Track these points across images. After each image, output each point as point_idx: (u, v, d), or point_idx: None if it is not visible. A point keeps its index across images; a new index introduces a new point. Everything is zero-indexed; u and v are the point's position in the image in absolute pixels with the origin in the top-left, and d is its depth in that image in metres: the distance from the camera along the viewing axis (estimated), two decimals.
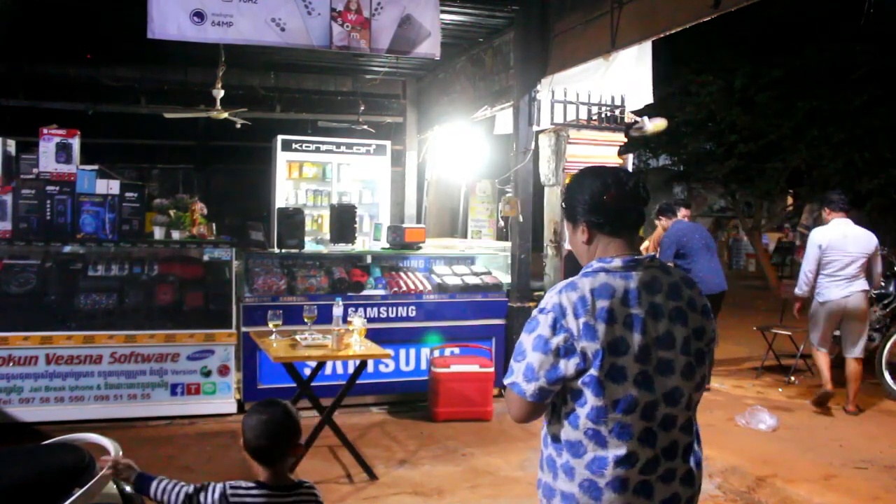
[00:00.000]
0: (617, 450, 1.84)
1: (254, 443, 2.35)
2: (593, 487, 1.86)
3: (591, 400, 1.84)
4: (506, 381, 1.95)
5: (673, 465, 1.91)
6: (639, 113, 6.88)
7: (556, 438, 1.93)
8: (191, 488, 2.34)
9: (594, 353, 1.81)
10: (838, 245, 6.23)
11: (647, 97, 6.80)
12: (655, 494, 1.89)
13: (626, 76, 6.57)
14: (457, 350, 6.41)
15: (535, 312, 1.93)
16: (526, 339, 1.90)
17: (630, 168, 6.94)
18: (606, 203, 1.96)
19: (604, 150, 6.64)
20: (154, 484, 2.36)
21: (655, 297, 1.90)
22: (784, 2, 10.74)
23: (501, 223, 7.92)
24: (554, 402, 1.92)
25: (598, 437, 1.85)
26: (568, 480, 1.89)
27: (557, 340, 1.84)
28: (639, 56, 6.54)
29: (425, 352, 6.40)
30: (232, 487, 2.33)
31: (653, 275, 1.93)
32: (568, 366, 1.83)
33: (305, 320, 4.90)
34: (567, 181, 6.58)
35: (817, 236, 6.38)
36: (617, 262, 1.91)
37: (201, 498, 2.32)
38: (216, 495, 2.31)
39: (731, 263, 20.81)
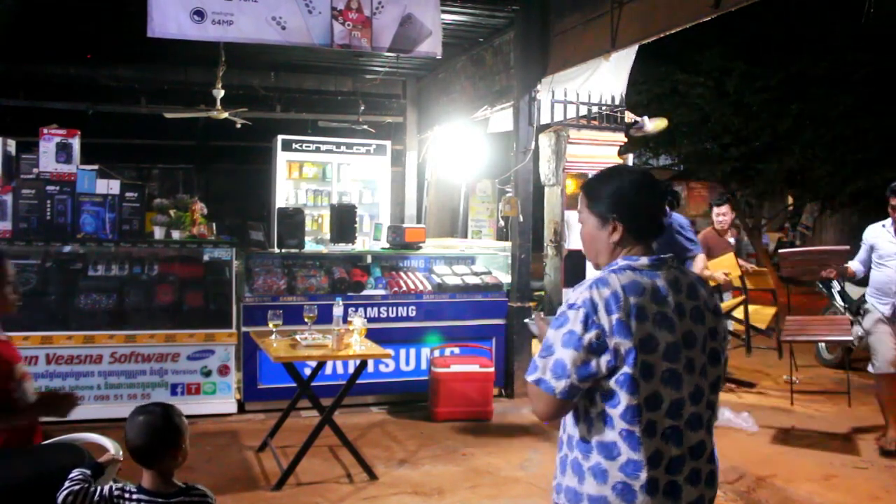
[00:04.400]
0: (648, 450, 1.83)
1: (132, 443, 2.34)
2: (627, 490, 1.83)
3: (625, 399, 1.82)
4: (530, 378, 1.90)
5: (698, 465, 1.90)
6: (637, 111, 6.88)
7: (584, 440, 1.89)
8: (83, 485, 2.37)
9: (627, 351, 1.80)
10: None
11: (620, 89, 6.78)
12: (683, 496, 1.88)
13: (610, 73, 6.57)
14: (457, 350, 6.40)
15: (562, 308, 1.91)
16: (554, 335, 1.87)
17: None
18: (644, 206, 1.97)
19: (604, 150, 6.65)
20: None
21: (679, 296, 1.91)
22: (779, 4, 10.75)
23: (501, 223, 7.92)
24: (581, 402, 1.89)
25: (631, 438, 1.83)
26: (598, 484, 1.85)
27: (590, 336, 1.81)
28: (622, 55, 6.51)
29: (425, 352, 6.40)
30: (117, 489, 2.35)
31: (675, 275, 1.94)
32: (600, 363, 1.81)
33: (305, 320, 4.89)
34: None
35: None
36: (644, 261, 1.92)
37: (91, 490, 2.36)
38: (104, 491, 2.34)
39: None
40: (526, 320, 2.43)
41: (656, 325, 1.84)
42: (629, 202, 1.96)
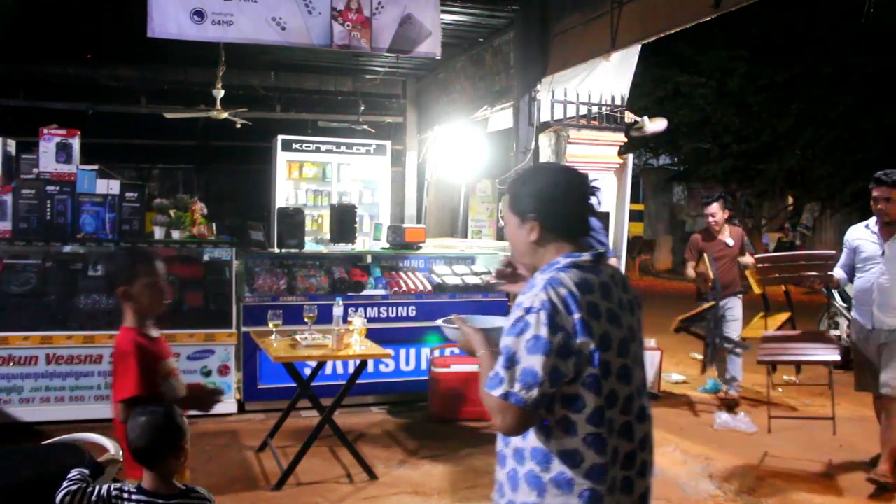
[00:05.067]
0: (611, 449, 1.79)
1: (135, 444, 2.34)
2: (594, 496, 1.77)
3: (591, 401, 1.76)
4: (495, 392, 1.75)
5: (645, 456, 1.90)
6: (639, 113, 6.87)
7: (541, 451, 1.80)
8: (81, 485, 2.36)
9: (591, 351, 1.76)
10: None
11: (624, 90, 6.76)
12: (635, 490, 1.87)
13: (612, 73, 6.56)
14: (457, 350, 6.39)
15: (519, 313, 1.78)
16: (515, 343, 1.76)
17: (630, 168, 6.91)
18: (564, 204, 1.92)
19: (604, 150, 6.64)
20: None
21: (619, 290, 1.89)
22: (781, 4, 10.77)
23: (502, 223, 7.91)
24: None
25: (598, 441, 1.77)
26: (564, 494, 1.77)
27: (558, 339, 1.73)
28: (624, 55, 6.50)
29: (425, 352, 6.40)
30: (116, 489, 2.35)
31: (612, 270, 1.94)
32: (569, 366, 1.74)
33: (305, 320, 4.89)
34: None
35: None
36: (587, 257, 1.88)
37: (89, 490, 2.35)
38: (102, 491, 2.33)
39: None
40: (440, 322, 2.27)
41: (609, 322, 1.81)
42: (548, 201, 1.91)
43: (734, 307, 6.50)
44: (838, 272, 4.96)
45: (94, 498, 2.32)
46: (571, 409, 1.77)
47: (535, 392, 1.72)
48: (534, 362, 1.72)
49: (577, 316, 1.75)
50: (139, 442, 2.33)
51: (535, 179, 1.98)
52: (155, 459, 2.34)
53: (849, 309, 7.48)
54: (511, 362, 1.75)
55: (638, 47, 6.30)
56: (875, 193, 4.62)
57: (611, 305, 1.83)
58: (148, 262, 2.79)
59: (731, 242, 6.59)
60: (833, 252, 5.47)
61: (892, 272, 4.62)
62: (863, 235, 4.80)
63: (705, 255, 6.43)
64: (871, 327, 4.68)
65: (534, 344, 1.73)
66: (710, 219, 6.57)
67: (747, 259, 6.53)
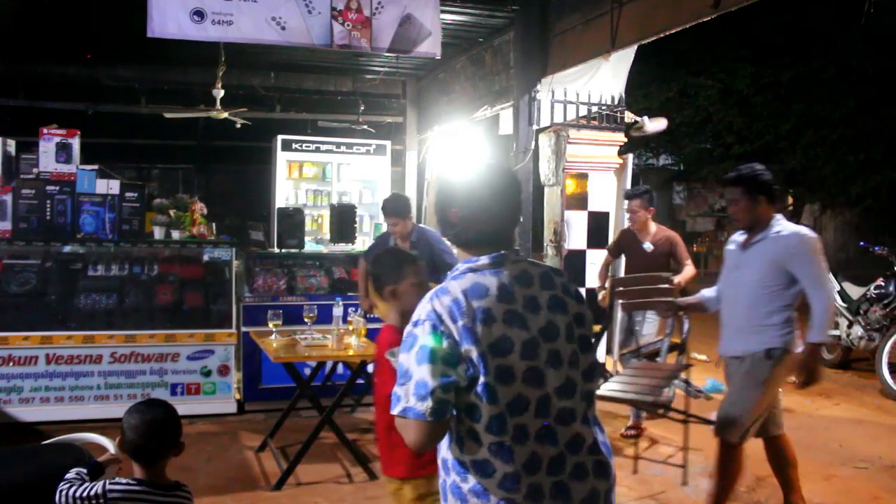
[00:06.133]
0: (522, 458, 1.75)
1: (136, 442, 2.34)
2: None
3: (486, 409, 1.73)
4: (394, 411, 1.74)
5: (579, 458, 1.82)
6: (639, 113, 6.87)
7: (458, 462, 1.80)
8: (72, 484, 2.35)
9: (478, 357, 1.72)
10: None
11: (619, 89, 6.74)
12: (573, 494, 1.80)
13: (609, 73, 6.56)
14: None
15: (408, 329, 1.79)
16: (407, 359, 1.75)
17: (630, 167, 6.90)
18: (472, 207, 1.88)
19: (604, 150, 6.64)
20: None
21: (530, 289, 1.83)
22: (784, 3, 10.77)
23: None
24: (451, 420, 1.78)
25: (501, 450, 1.74)
26: (505, 492, 1.76)
27: (442, 348, 1.71)
28: (621, 55, 6.49)
29: None
30: (111, 483, 2.34)
31: (522, 268, 1.86)
32: (459, 373, 1.72)
33: (305, 320, 4.90)
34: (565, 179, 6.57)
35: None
36: (484, 261, 1.84)
37: (81, 489, 2.34)
38: (98, 488, 2.32)
39: None
40: (387, 355, 2.35)
41: (508, 325, 1.76)
42: (456, 205, 1.90)
43: (651, 322, 5.58)
44: (709, 291, 4.07)
45: (90, 493, 2.30)
46: (472, 420, 1.76)
47: (429, 402, 1.69)
48: (423, 372, 1.71)
49: (461, 323, 1.73)
50: (140, 441, 2.33)
51: (448, 185, 1.96)
52: (155, 457, 2.35)
53: (849, 309, 7.52)
54: (405, 378, 1.74)
55: (634, 47, 6.30)
56: (729, 196, 3.81)
57: (511, 307, 1.78)
58: (413, 263, 2.86)
59: (649, 248, 5.67)
60: (669, 275, 5.10)
61: (738, 286, 3.79)
62: (731, 244, 3.97)
63: (610, 260, 5.94)
64: (729, 355, 3.86)
65: (421, 354, 1.72)
66: (632, 214, 5.73)
67: (677, 278, 5.22)
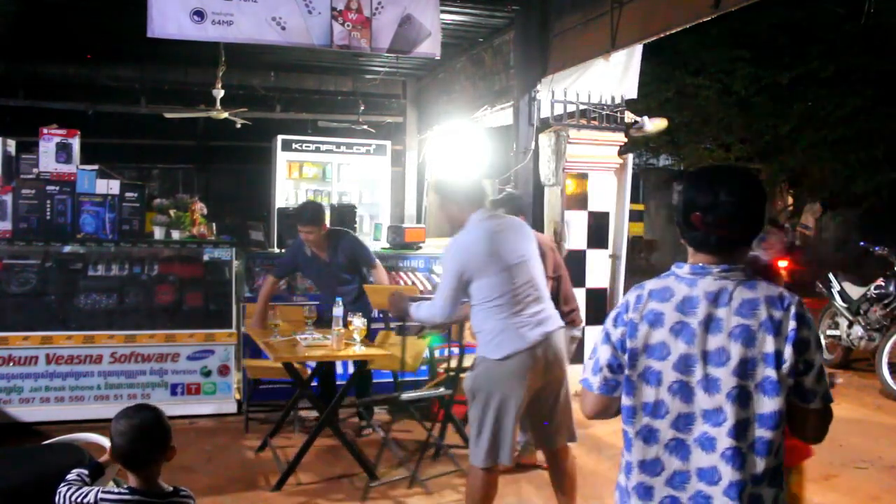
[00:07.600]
0: (642, 454, 1.85)
1: (125, 448, 2.29)
2: (621, 491, 1.91)
3: (623, 399, 1.89)
4: (579, 380, 2.03)
5: (709, 491, 1.78)
6: (638, 113, 6.87)
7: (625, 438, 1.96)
8: (71, 486, 2.33)
9: (631, 351, 1.87)
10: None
11: (631, 93, 6.73)
12: None
13: (616, 75, 6.56)
14: (457, 350, 6.37)
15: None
16: (597, 337, 1.99)
17: (630, 167, 6.90)
18: (694, 221, 1.86)
19: (604, 150, 6.64)
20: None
21: (718, 309, 1.79)
22: (784, 3, 10.77)
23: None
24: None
25: (626, 439, 1.89)
26: (624, 476, 1.93)
27: (617, 333, 1.91)
28: (629, 53, 6.50)
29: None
30: (103, 492, 2.30)
31: (722, 286, 1.80)
32: (624, 358, 1.89)
33: (305, 320, 4.89)
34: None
35: None
36: (686, 269, 1.88)
37: (82, 491, 2.32)
38: (90, 497, 2.29)
39: None
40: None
41: (673, 334, 1.82)
42: (699, 209, 1.89)
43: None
44: None
45: (81, 500, 2.28)
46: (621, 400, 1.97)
47: (598, 378, 1.95)
48: (600, 352, 1.97)
49: (631, 316, 1.93)
50: (131, 446, 2.28)
51: (685, 193, 1.92)
52: (146, 462, 2.31)
53: (849, 309, 7.52)
54: (592, 354, 1.99)
55: (640, 48, 6.30)
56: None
57: (686, 319, 1.84)
58: None
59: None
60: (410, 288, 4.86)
61: None
62: None
63: None
64: None
65: (603, 336, 1.98)
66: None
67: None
